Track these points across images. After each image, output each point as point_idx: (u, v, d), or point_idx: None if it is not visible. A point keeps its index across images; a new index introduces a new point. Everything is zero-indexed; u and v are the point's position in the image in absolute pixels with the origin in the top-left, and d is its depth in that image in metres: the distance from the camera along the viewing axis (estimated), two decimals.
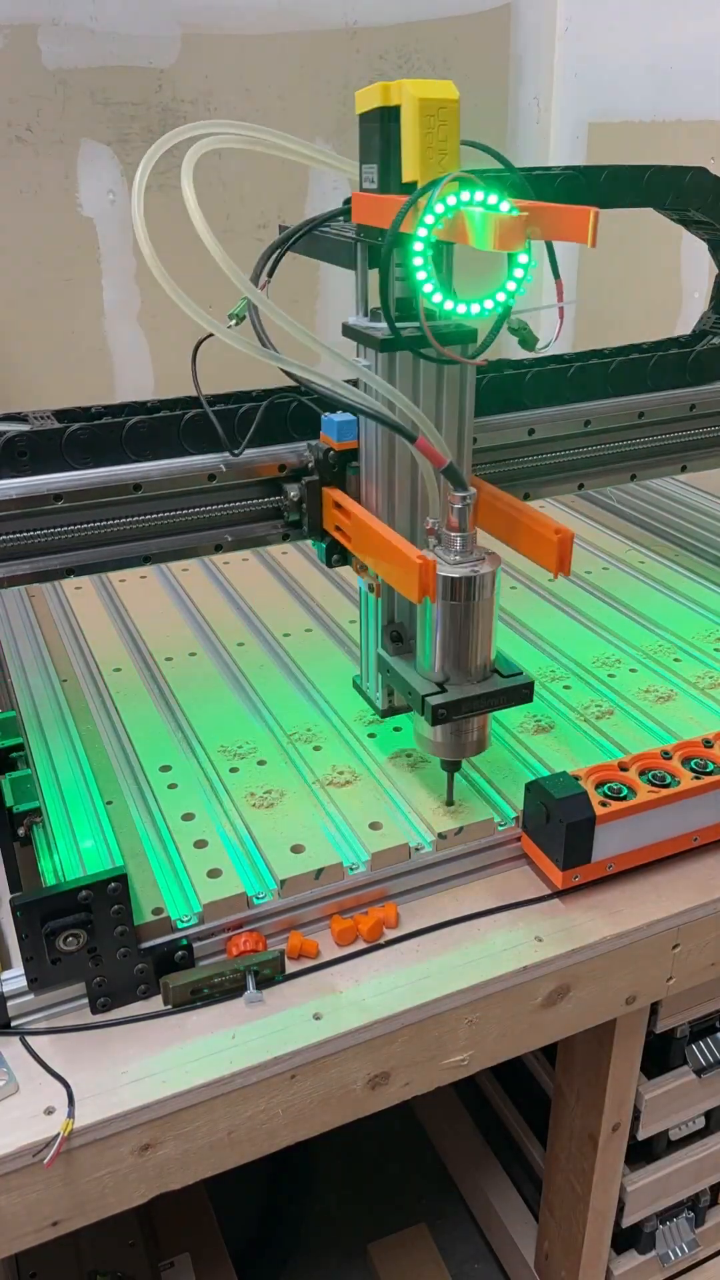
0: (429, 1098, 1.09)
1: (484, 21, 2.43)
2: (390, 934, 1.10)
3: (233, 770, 1.28)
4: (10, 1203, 0.90)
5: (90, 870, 1.02)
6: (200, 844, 1.15)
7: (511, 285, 1.00)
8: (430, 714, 1.09)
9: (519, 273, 0.98)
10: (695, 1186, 1.51)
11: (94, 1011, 1.01)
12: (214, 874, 1.09)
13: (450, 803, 1.20)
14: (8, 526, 1.13)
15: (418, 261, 0.98)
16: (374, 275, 1.06)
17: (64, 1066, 0.94)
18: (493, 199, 0.94)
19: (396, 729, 1.35)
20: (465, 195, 0.95)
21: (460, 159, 1.02)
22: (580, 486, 1.51)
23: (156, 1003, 1.02)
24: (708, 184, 1.38)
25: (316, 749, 1.33)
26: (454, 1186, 1.92)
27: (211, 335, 1.08)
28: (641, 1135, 1.39)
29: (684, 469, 1.58)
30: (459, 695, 1.10)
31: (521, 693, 1.13)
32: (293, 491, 1.23)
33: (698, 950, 1.18)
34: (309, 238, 1.19)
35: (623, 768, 1.17)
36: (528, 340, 1.12)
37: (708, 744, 1.22)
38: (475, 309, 1.02)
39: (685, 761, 1.19)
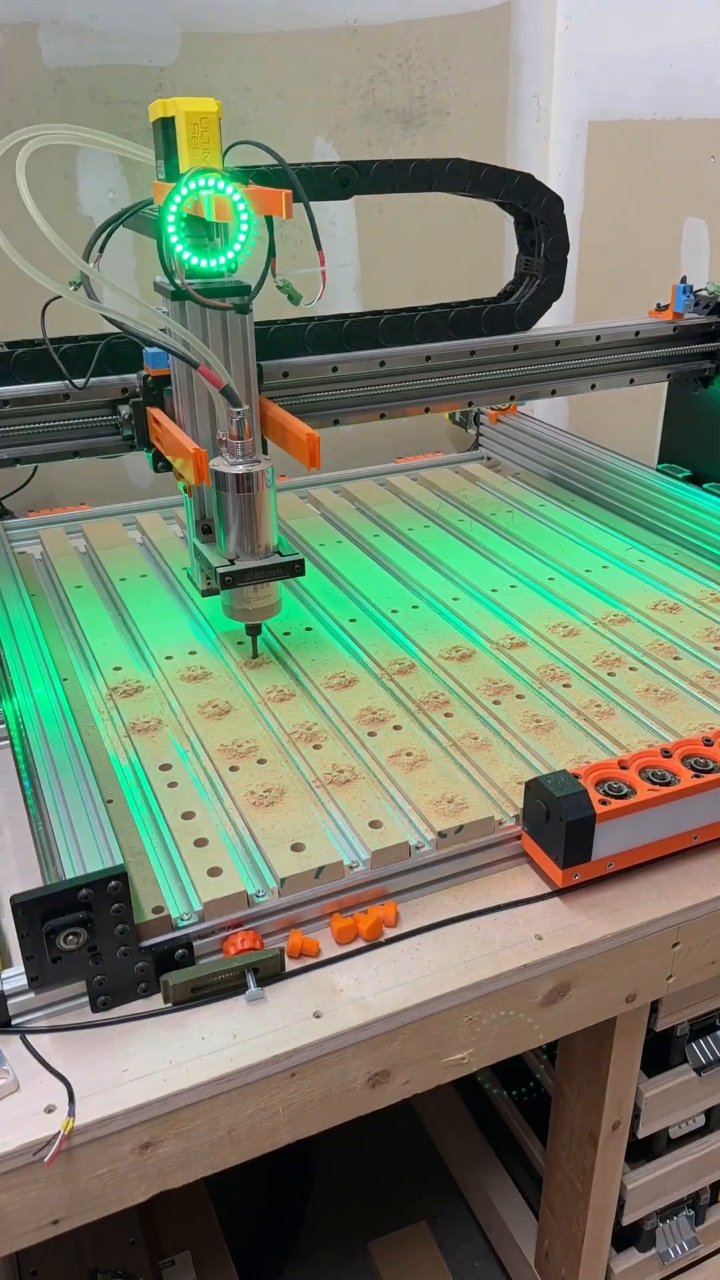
0: (429, 1096, 1.10)
1: (484, 20, 2.42)
2: (390, 932, 1.10)
3: (233, 769, 1.29)
4: (11, 1201, 0.90)
5: (90, 869, 1.01)
6: (200, 842, 1.15)
7: (237, 247, 1.34)
8: (219, 580, 1.41)
9: (241, 237, 1.33)
10: (695, 1184, 1.52)
11: (94, 1010, 1.01)
12: (214, 872, 1.10)
13: (255, 655, 1.53)
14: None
15: (171, 229, 1.32)
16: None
17: (64, 1064, 0.95)
18: (220, 184, 1.29)
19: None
20: (203, 181, 1.30)
21: (222, 158, 1.35)
22: (426, 410, 1.92)
23: (157, 1001, 1.02)
24: (465, 170, 1.74)
25: (316, 747, 1.33)
26: (454, 1185, 1.92)
27: (59, 297, 1.38)
28: (641, 1133, 1.39)
29: (470, 404, 1.98)
30: (243, 566, 1.42)
31: (294, 567, 1.44)
32: (124, 410, 1.58)
33: (698, 948, 1.19)
34: (135, 218, 1.50)
35: (622, 766, 1.18)
36: (293, 296, 1.47)
37: (707, 742, 1.23)
38: (213, 263, 1.36)
39: (685, 760, 1.19)
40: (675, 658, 1.53)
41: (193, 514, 1.53)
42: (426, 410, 1.91)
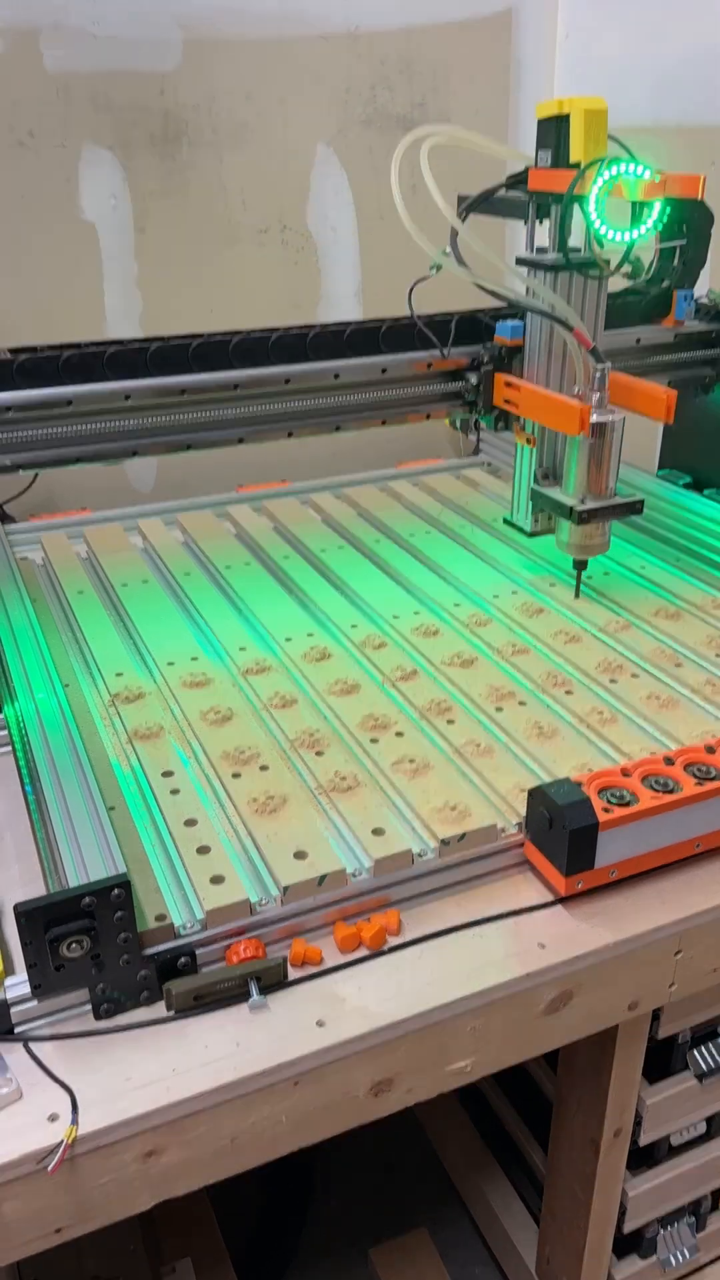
0: (430, 1102, 1.09)
1: (485, 27, 2.43)
2: (393, 941, 1.10)
3: (235, 776, 1.28)
4: (14, 1210, 0.90)
5: (93, 877, 1.01)
6: (203, 850, 1.15)
7: (650, 223, 1.59)
8: (576, 518, 1.61)
9: (653, 215, 1.59)
10: (697, 1192, 1.51)
11: (97, 1018, 1.01)
12: (217, 880, 1.09)
13: (578, 596, 1.73)
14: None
15: (593, 208, 1.54)
16: (544, 223, 1.69)
17: (67, 1073, 0.94)
18: (639, 169, 1.55)
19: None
20: (621, 168, 1.54)
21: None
22: (428, 416, 2.02)
23: (159, 1009, 1.02)
24: None
25: (319, 754, 1.33)
26: (455, 1191, 1.92)
27: (425, 278, 1.72)
28: (643, 1140, 1.39)
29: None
30: (595, 505, 1.62)
31: (635, 506, 1.65)
32: (472, 378, 1.85)
33: (700, 956, 1.19)
34: (489, 202, 1.74)
35: (625, 774, 1.18)
36: (637, 269, 1.81)
37: (710, 750, 1.23)
38: (627, 237, 1.60)
39: (687, 768, 1.19)
40: (677, 665, 1.54)
41: (529, 463, 1.80)
42: (428, 417, 2.01)
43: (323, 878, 1.10)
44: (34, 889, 1.14)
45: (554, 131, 1.59)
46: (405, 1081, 1.05)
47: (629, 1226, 1.47)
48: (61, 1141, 0.89)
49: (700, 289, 2.10)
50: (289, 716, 1.41)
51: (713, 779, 1.18)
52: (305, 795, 1.25)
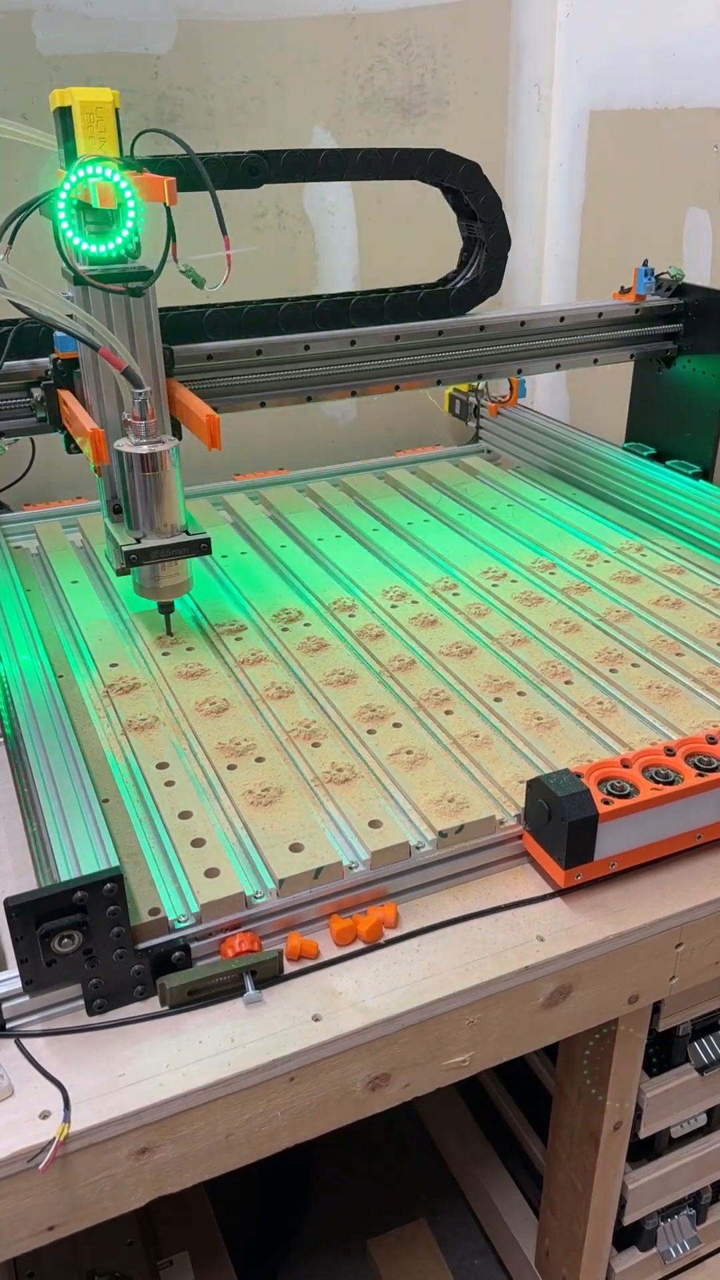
0: (430, 1094, 1.08)
1: (484, 7, 2.39)
2: (390, 934, 1.08)
3: (230, 767, 1.27)
4: (5, 1208, 0.89)
5: (86, 870, 1.00)
6: (198, 843, 1.13)
7: (125, 232, 1.38)
8: (124, 559, 1.44)
9: (129, 224, 1.37)
10: (697, 1184, 1.51)
11: (90, 1013, 0.99)
12: (211, 873, 1.08)
13: (169, 633, 1.57)
14: None
15: (61, 216, 1.35)
16: None
17: (60, 1069, 0.93)
18: (107, 171, 1.32)
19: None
20: (93, 169, 1.32)
21: (131, 146, 1.40)
22: (396, 388, 1.97)
23: (153, 1004, 1.01)
24: (375, 158, 1.78)
25: (315, 746, 1.31)
26: (454, 1183, 1.91)
27: None
28: (643, 1133, 1.38)
29: (438, 383, 2.03)
30: (150, 545, 1.45)
31: (200, 546, 1.47)
32: (36, 393, 1.61)
33: (701, 949, 1.17)
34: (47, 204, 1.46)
35: (625, 765, 1.16)
36: (197, 281, 1.48)
37: (711, 740, 1.21)
38: (101, 249, 1.38)
39: (688, 758, 1.18)
40: (678, 654, 1.52)
41: (105, 494, 1.54)
42: (396, 388, 1.98)
43: (319, 870, 1.09)
44: (26, 882, 1.12)
45: (61, 127, 1.39)
46: (403, 1076, 1.04)
47: (629, 1219, 1.46)
48: (53, 1139, 0.87)
49: (701, 271, 2.08)
50: (285, 707, 1.40)
51: (714, 770, 1.16)
52: (302, 787, 1.24)
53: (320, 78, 2.29)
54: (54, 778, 1.16)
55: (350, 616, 1.64)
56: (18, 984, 0.97)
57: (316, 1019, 0.99)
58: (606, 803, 1.10)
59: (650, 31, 2.26)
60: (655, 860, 1.17)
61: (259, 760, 1.28)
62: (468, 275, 1.97)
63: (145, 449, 1.41)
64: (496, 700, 1.41)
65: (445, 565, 1.83)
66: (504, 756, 1.30)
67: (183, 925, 1.04)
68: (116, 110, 1.37)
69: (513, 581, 1.76)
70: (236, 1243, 1.71)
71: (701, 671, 1.47)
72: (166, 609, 1.56)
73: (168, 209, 1.38)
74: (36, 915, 0.94)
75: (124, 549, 1.43)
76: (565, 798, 1.09)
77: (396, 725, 1.35)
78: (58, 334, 1.51)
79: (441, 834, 1.14)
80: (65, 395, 1.55)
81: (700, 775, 1.15)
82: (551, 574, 1.78)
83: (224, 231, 1.45)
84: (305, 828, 1.15)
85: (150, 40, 2.11)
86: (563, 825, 1.09)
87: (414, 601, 1.69)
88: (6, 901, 0.93)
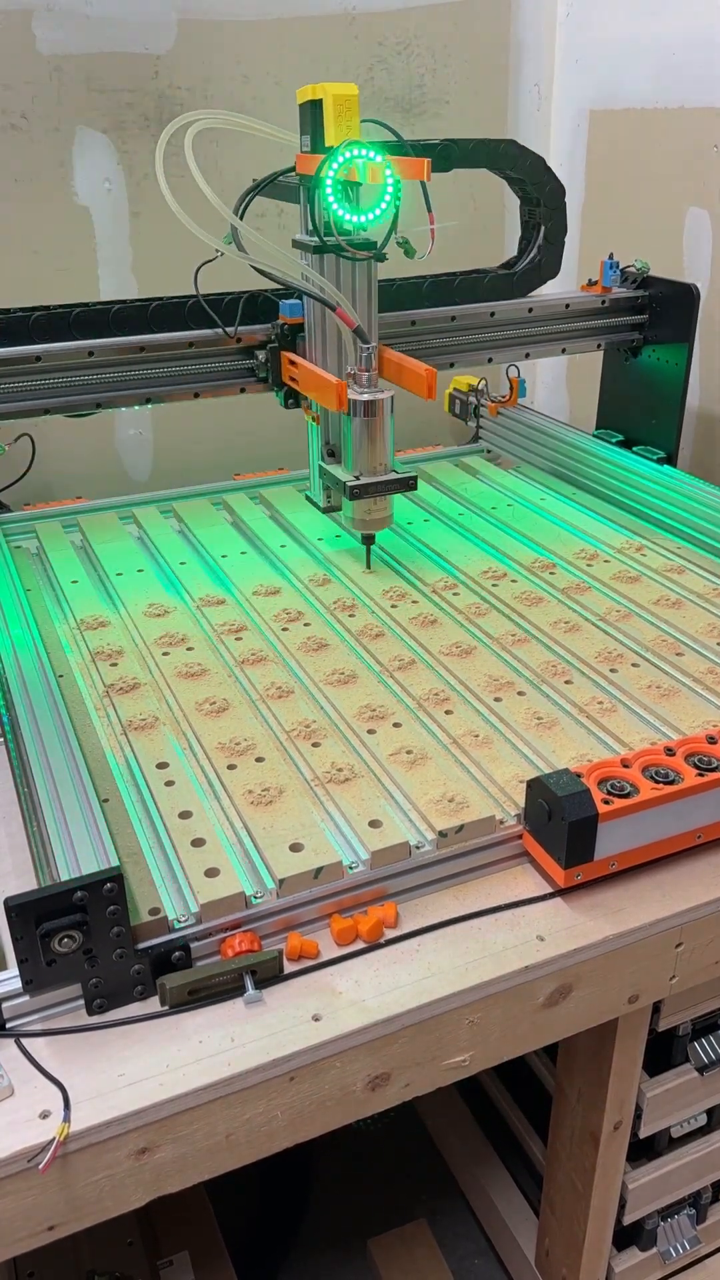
0: (430, 1094, 1.08)
1: (484, 7, 2.39)
2: (390, 934, 1.08)
3: (230, 767, 1.27)
4: (5, 1208, 0.89)
5: (86, 870, 1.00)
6: (198, 843, 1.13)
7: (383, 206, 1.58)
8: (349, 492, 1.66)
9: (387, 199, 1.57)
10: (697, 1183, 1.51)
11: (90, 1013, 0.99)
12: (211, 873, 1.08)
13: (369, 567, 1.79)
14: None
15: (329, 191, 1.56)
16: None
17: (60, 1069, 0.93)
18: (372, 153, 1.54)
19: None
20: (355, 152, 1.54)
21: (362, 133, 1.60)
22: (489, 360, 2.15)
23: (153, 1004, 1.01)
24: (514, 152, 1.97)
25: (315, 745, 1.31)
26: (454, 1182, 1.91)
27: (214, 258, 1.70)
28: (643, 1133, 1.38)
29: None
30: (368, 481, 1.68)
31: (408, 482, 1.70)
32: (261, 355, 1.86)
33: (701, 949, 1.17)
34: (273, 185, 1.75)
35: (625, 764, 1.16)
36: (409, 251, 1.67)
37: (711, 740, 1.21)
38: (362, 219, 1.61)
39: (688, 758, 1.18)
40: (678, 654, 1.52)
41: (319, 440, 1.80)
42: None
43: (319, 870, 1.09)
44: (26, 882, 1.13)
45: (310, 116, 1.62)
46: (403, 1076, 1.04)
47: (629, 1218, 1.46)
48: (53, 1139, 0.87)
49: (702, 272, 2.08)
50: (285, 707, 1.40)
51: (714, 770, 1.16)
52: (302, 787, 1.24)
53: (320, 77, 2.27)
54: (54, 778, 1.16)
55: (350, 616, 1.64)
56: (18, 984, 0.97)
57: (316, 1019, 0.99)
58: (606, 802, 1.10)
59: (650, 31, 2.26)
60: (655, 860, 1.17)
61: (259, 760, 1.28)
62: (530, 259, 2.11)
63: (368, 396, 1.62)
64: (496, 700, 1.41)
65: (445, 565, 1.83)
66: (504, 756, 1.30)
67: (183, 925, 1.04)
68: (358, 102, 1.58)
69: (513, 581, 1.76)
70: (236, 1243, 1.71)
71: (701, 671, 1.47)
72: (369, 541, 1.77)
73: (424, 185, 1.58)
74: (36, 915, 0.94)
75: (348, 485, 1.65)
76: (565, 797, 1.09)
77: (396, 725, 1.35)
78: (284, 301, 1.79)
79: (441, 834, 1.14)
80: (290, 356, 1.81)
81: (700, 775, 1.15)
82: (551, 574, 1.78)
83: (429, 208, 1.62)
84: (305, 827, 1.15)
85: (150, 40, 2.12)
86: (563, 825, 1.09)
87: (414, 601, 1.69)
88: (6, 901, 0.93)
